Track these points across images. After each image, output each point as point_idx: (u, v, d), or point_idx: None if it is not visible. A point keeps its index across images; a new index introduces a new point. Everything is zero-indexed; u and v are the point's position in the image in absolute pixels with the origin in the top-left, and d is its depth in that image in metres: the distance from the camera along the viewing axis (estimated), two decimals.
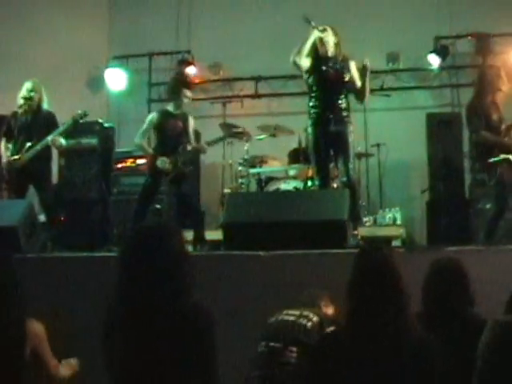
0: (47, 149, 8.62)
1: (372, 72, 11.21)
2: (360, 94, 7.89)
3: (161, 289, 2.98)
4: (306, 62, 7.78)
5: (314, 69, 7.78)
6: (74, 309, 6.37)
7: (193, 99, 12.34)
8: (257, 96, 12.35)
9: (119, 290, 3.08)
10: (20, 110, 8.55)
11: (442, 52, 11.38)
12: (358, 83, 7.80)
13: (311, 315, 4.38)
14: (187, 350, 2.97)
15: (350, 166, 7.71)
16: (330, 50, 7.78)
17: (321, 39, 7.78)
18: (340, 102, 7.73)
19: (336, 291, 5.62)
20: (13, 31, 12.10)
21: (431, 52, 11.41)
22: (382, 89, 11.43)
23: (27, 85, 8.60)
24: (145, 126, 8.72)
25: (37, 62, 12.03)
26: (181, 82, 9.19)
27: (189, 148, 8.73)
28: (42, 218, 8.50)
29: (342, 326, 3.40)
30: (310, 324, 4.30)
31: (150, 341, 2.98)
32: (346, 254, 6.13)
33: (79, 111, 8.70)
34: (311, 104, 7.87)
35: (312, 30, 7.81)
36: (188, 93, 8.87)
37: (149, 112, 10.68)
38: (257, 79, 12.33)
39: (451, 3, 11.69)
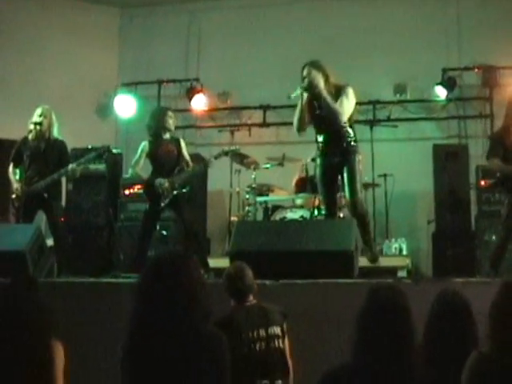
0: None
1: (379, 102, 11.41)
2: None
3: (178, 316, 3.01)
4: (305, 124, 7.80)
5: (312, 114, 7.77)
6: (80, 334, 6.38)
7: (201, 127, 12.51)
8: (265, 125, 12.39)
9: (136, 316, 3.11)
10: (30, 136, 8.60)
11: (449, 84, 11.43)
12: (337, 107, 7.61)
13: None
14: (203, 377, 3.00)
15: (358, 195, 7.69)
16: (319, 90, 7.59)
17: (305, 90, 7.62)
18: (344, 133, 7.69)
19: (342, 321, 5.65)
20: (23, 58, 12.24)
21: (438, 83, 11.46)
22: (389, 119, 11.47)
23: (38, 110, 8.65)
24: (137, 155, 8.67)
25: (47, 88, 12.14)
26: (161, 111, 9.13)
27: (187, 170, 8.73)
28: (49, 242, 8.53)
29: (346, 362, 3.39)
30: None
31: (167, 367, 3.01)
32: (353, 284, 6.16)
33: (103, 145, 8.82)
34: (317, 137, 7.90)
35: (298, 93, 7.64)
36: (169, 115, 8.85)
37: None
38: (265, 108, 12.38)
39: (459, 35, 11.79)
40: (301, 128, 7.81)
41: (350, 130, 7.73)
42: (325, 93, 7.53)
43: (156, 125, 8.75)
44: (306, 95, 7.61)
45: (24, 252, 7.41)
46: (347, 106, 7.62)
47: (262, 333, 4.93)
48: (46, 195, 8.51)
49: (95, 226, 10.89)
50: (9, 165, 8.74)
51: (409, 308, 3.34)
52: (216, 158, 8.92)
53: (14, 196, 8.50)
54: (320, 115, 7.69)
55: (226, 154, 9.13)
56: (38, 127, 8.56)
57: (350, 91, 7.68)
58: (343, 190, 7.86)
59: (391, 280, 6.96)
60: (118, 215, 10.79)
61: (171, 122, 8.79)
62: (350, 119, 7.74)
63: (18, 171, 8.69)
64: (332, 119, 7.60)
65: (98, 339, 6.54)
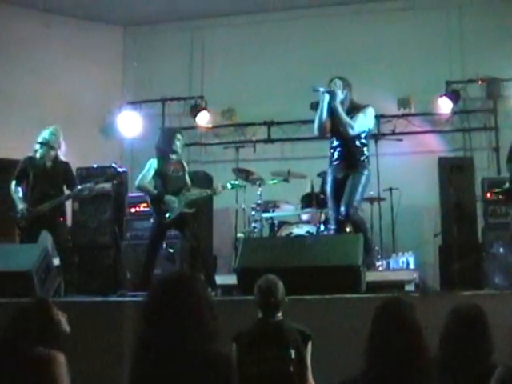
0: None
1: (384, 117, 11.40)
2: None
3: (184, 336, 2.99)
4: (327, 128, 8.05)
5: (332, 125, 8.01)
6: (86, 353, 6.37)
7: (206, 144, 12.52)
8: (269, 141, 12.39)
9: (142, 336, 3.10)
10: (38, 155, 8.63)
11: (453, 96, 11.44)
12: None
13: None
14: None
15: (353, 204, 7.81)
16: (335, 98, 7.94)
17: (327, 92, 7.96)
18: (355, 150, 7.94)
19: (351, 335, 5.63)
20: (27, 77, 12.27)
21: (442, 96, 11.47)
22: (393, 133, 11.47)
23: (47, 130, 8.70)
24: (145, 169, 8.75)
25: (50, 107, 12.18)
26: (170, 133, 9.20)
27: (194, 192, 8.81)
28: (56, 261, 8.52)
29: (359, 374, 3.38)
30: None
31: None
32: (361, 298, 6.14)
33: (113, 172, 8.91)
34: (331, 153, 8.16)
35: (322, 95, 7.99)
36: (178, 138, 8.95)
37: None
38: (269, 124, 12.38)
39: (462, 48, 11.82)
40: (320, 128, 8.06)
41: (362, 147, 7.99)
42: (338, 103, 7.86)
43: (164, 146, 8.85)
44: (326, 97, 7.91)
45: (31, 272, 7.40)
46: (361, 122, 7.93)
47: (273, 353, 4.88)
48: (51, 215, 8.52)
49: (101, 244, 10.87)
50: (11, 182, 8.74)
51: (416, 320, 3.34)
52: (224, 187, 9.12)
53: (19, 216, 8.50)
54: (336, 127, 7.96)
55: (233, 187, 9.36)
56: (45, 147, 8.60)
57: (370, 110, 8.05)
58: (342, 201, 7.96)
59: (399, 294, 6.95)
60: (124, 233, 10.77)
61: (179, 144, 8.92)
62: (364, 137, 8.02)
63: (19, 189, 8.69)
64: (344, 132, 7.88)
65: (104, 357, 6.53)
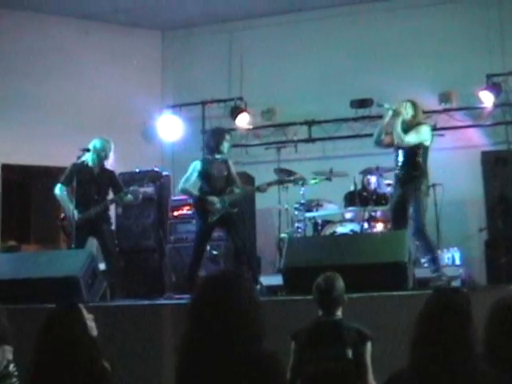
0: None
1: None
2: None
3: (233, 337, 2.97)
4: (386, 141, 8.37)
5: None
6: (135, 356, 6.42)
7: (247, 145, 12.53)
8: (310, 140, 12.35)
9: (189, 337, 3.09)
10: (85, 162, 8.77)
11: (494, 89, 11.31)
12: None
13: None
14: None
15: (419, 221, 8.00)
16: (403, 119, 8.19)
17: (391, 110, 8.25)
18: (413, 162, 8.18)
19: (399, 332, 5.60)
20: (66, 84, 12.39)
21: (483, 89, 11.36)
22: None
23: (97, 139, 8.85)
24: (188, 172, 8.84)
25: (91, 113, 12.30)
26: (219, 133, 9.25)
27: (237, 191, 8.84)
28: (102, 266, 8.58)
29: (407, 367, 3.36)
30: None
31: None
32: (408, 296, 6.11)
33: (153, 170, 8.98)
34: (395, 165, 8.43)
35: (386, 111, 8.30)
36: (226, 139, 9.03)
37: None
38: (310, 123, 12.34)
39: (502, 40, 11.69)
40: (378, 142, 8.45)
41: (419, 161, 8.19)
42: (397, 121, 8.12)
43: (212, 145, 8.96)
44: (390, 113, 8.23)
45: (78, 277, 7.50)
46: (412, 138, 8.14)
47: (331, 352, 4.86)
48: (97, 221, 8.61)
49: (146, 248, 10.95)
50: (56, 186, 8.84)
51: (469, 312, 3.32)
52: (270, 184, 9.19)
53: (65, 222, 8.59)
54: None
55: (280, 182, 9.58)
56: (94, 154, 8.74)
57: (424, 128, 8.30)
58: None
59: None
60: (168, 237, 10.82)
61: (226, 145, 9.01)
62: (422, 153, 8.24)
63: (66, 194, 8.77)
64: (397, 144, 8.19)
65: (152, 360, 6.57)
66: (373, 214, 9.83)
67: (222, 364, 2.97)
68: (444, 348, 3.21)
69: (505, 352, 3.74)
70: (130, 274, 10.25)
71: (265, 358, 3.04)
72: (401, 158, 8.22)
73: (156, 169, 10.26)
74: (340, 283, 5.10)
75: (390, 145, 8.33)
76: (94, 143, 8.80)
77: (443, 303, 3.37)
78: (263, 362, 3.02)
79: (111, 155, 8.86)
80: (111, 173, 8.94)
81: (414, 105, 8.32)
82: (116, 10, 12.57)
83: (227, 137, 9.05)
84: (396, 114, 8.16)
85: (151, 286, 10.31)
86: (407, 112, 8.21)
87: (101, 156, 8.78)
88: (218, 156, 8.89)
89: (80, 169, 8.74)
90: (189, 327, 3.08)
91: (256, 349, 3.03)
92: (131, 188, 8.81)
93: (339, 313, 5.06)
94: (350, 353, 4.84)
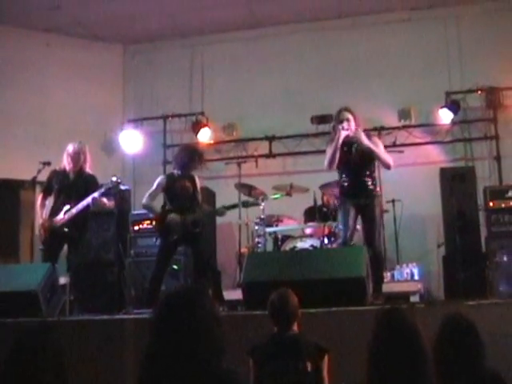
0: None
1: (384, 129, 11.45)
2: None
3: (194, 353, 2.98)
4: (335, 162, 8.08)
5: (342, 157, 8.08)
6: (91, 371, 6.38)
7: (208, 160, 12.50)
8: (271, 155, 12.41)
9: (149, 352, 3.09)
10: (61, 169, 8.76)
11: (453, 107, 11.45)
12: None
13: None
14: None
15: (376, 236, 7.96)
16: (366, 143, 8.03)
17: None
18: (366, 177, 8.08)
19: (357, 347, 5.64)
20: (28, 97, 12.32)
21: (443, 107, 11.49)
22: (394, 145, 11.48)
23: (70, 144, 8.81)
24: (153, 188, 8.66)
25: (52, 126, 12.25)
26: (199, 155, 9.15)
27: (199, 210, 8.76)
28: (62, 280, 8.52)
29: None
30: None
31: None
32: (366, 311, 6.14)
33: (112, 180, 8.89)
34: (340, 178, 8.27)
35: (340, 132, 8.03)
36: (203, 162, 9.01)
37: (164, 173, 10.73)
38: (270, 139, 12.41)
39: (460, 58, 11.85)
40: (330, 163, 8.08)
41: (375, 175, 8.20)
42: (366, 143, 7.97)
43: (182, 162, 8.75)
44: (343, 135, 7.95)
45: (36, 292, 7.44)
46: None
47: (290, 366, 4.88)
48: (66, 230, 8.55)
49: (105, 262, 10.88)
50: (40, 196, 8.86)
51: (417, 328, 3.37)
52: (227, 209, 9.05)
53: (40, 231, 8.56)
54: (351, 159, 8.08)
55: (244, 205, 9.61)
56: (71, 161, 8.68)
57: (378, 140, 8.34)
58: (362, 230, 8.19)
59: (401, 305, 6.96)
60: (128, 251, 10.77)
61: (199, 167, 8.90)
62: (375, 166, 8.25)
63: (46, 203, 8.76)
64: (363, 164, 8.07)
65: (110, 376, 6.53)
66: (332, 229, 9.86)
67: (184, 380, 2.96)
68: (394, 365, 3.25)
69: (453, 367, 3.81)
70: (89, 287, 10.18)
71: (225, 374, 3.03)
72: (354, 174, 8.13)
73: (114, 178, 9.92)
74: (293, 299, 5.13)
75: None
76: (68, 148, 8.80)
77: (386, 323, 3.43)
78: (223, 378, 3.01)
79: (88, 158, 8.87)
80: (91, 178, 8.88)
81: (350, 111, 8.18)
82: (78, 23, 12.53)
83: (203, 159, 8.98)
84: (356, 139, 8.03)
85: (110, 300, 10.26)
86: (359, 135, 8.06)
87: (75, 160, 8.74)
88: (185, 173, 8.72)
89: (57, 176, 8.78)
90: (150, 342, 3.08)
91: (216, 364, 3.03)
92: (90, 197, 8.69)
93: (295, 327, 5.09)
94: (309, 366, 4.88)
